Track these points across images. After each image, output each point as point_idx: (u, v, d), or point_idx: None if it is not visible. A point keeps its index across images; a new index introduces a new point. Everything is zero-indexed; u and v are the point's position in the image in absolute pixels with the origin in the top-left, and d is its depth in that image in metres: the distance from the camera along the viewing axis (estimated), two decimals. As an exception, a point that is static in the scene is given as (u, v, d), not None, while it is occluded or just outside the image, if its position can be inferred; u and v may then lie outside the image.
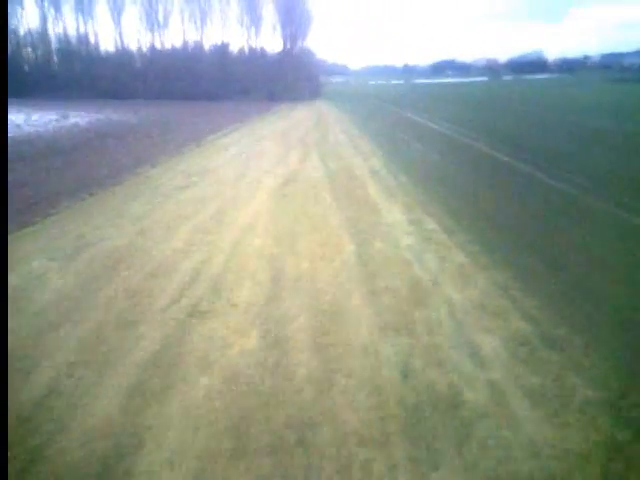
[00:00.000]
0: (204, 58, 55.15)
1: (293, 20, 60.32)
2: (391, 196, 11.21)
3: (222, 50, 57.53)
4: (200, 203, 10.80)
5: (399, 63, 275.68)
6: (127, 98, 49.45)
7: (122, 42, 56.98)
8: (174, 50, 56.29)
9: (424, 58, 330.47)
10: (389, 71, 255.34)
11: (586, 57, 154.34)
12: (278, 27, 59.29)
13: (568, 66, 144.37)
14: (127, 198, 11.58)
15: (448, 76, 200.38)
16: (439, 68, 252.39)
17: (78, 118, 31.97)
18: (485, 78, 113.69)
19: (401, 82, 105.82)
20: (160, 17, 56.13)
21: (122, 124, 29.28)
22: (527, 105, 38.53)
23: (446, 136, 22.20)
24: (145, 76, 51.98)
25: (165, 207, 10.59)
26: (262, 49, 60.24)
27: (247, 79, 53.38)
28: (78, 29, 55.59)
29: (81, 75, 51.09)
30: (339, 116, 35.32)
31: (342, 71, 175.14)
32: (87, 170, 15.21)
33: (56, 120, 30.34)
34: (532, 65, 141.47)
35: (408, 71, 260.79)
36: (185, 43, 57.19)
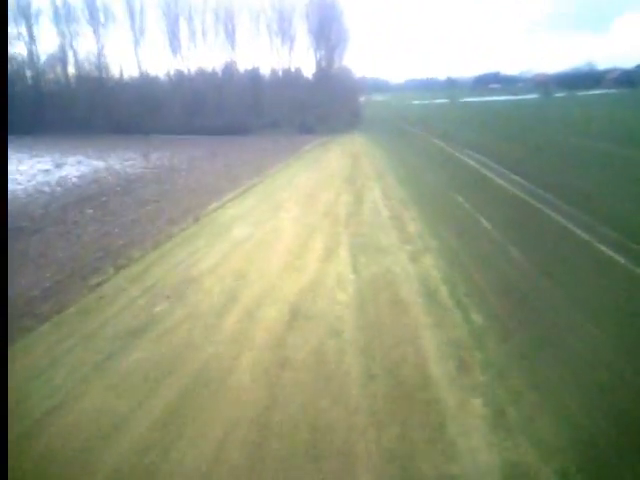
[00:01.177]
0: (231, 86, 50.67)
1: (328, 39, 55.40)
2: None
3: (251, 76, 53.08)
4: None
5: (441, 75, 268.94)
6: (144, 132, 45.34)
7: (140, 69, 53.37)
8: (197, 77, 52.09)
9: (467, 70, 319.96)
10: (431, 84, 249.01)
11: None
12: (312, 48, 54.34)
13: (627, 79, 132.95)
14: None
15: (494, 91, 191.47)
16: (483, 81, 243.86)
17: (73, 167, 27.56)
18: (535, 95, 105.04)
19: (446, 101, 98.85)
20: (182, 40, 52.04)
21: (116, 178, 24.55)
22: (608, 138, 31.31)
23: (538, 212, 15.84)
24: (163, 108, 47.83)
25: None
26: (296, 71, 55.39)
27: (278, 109, 48.49)
28: (89, 54, 52.19)
29: (92, 107, 47.31)
30: (379, 162, 29.50)
31: (383, 87, 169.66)
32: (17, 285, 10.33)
33: (45, 171, 25.95)
34: (585, 79, 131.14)
35: (451, 84, 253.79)
36: (208, 69, 53.00)
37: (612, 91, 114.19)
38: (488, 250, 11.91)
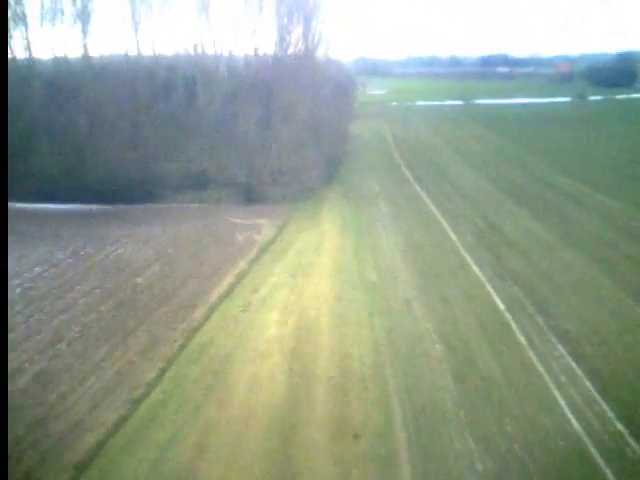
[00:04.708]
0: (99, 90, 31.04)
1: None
2: None
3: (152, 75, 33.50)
4: None
5: (444, 54, 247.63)
6: None
7: None
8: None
9: (471, 50, 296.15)
10: (434, 62, 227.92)
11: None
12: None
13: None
14: None
15: (503, 75, 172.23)
16: (490, 63, 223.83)
17: None
18: (567, 99, 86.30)
19: (459, 103, 79.87)
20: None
21: None
22: None
23: None
24: None
25: None
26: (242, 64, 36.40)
27: (203, 149, 29.71)
28: None
29: None
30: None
31: (382, 69, 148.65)
32: None
33: None
34: (621, 75, 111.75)
35: (455, 64, 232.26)
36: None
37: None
38: None
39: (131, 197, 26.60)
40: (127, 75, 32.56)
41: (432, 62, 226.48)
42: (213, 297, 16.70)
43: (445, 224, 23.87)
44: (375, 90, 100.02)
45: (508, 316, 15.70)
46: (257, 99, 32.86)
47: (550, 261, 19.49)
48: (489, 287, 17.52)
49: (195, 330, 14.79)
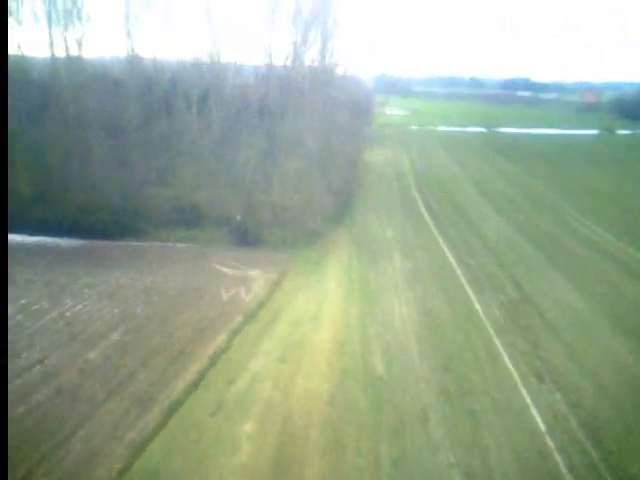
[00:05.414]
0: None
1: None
2: None
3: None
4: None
5: (464, 74, 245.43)
6: None
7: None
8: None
9: (492, 71, 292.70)
10: (454, 82, 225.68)
11: None
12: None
13: None
14: None
15: (525, 100, 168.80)
16: (511, 86, 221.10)
17: None
18: (595, 131, 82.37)
19: (482, 130, 76.28)
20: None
21: None
22: None
23: None
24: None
25: None
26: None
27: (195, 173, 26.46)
28: None
29: None
30: None
31: (403, 87, 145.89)
32: None
33: None
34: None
35: (476, 85, 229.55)
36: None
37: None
38: None
39: (110, 231, 23.37)
40: (121, 82, 29.42)
41: (452, 82, 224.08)
42: (177, 388, 13.20)
43: (469, 289, 20.24)
44: (394, 110, 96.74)
45: (551, 444, 11.98)
46: (262, 122, 29.62)
47: (600, 354, 15.78)
48: (525, 393, 13.86)
49: (145, 443, 11.25)
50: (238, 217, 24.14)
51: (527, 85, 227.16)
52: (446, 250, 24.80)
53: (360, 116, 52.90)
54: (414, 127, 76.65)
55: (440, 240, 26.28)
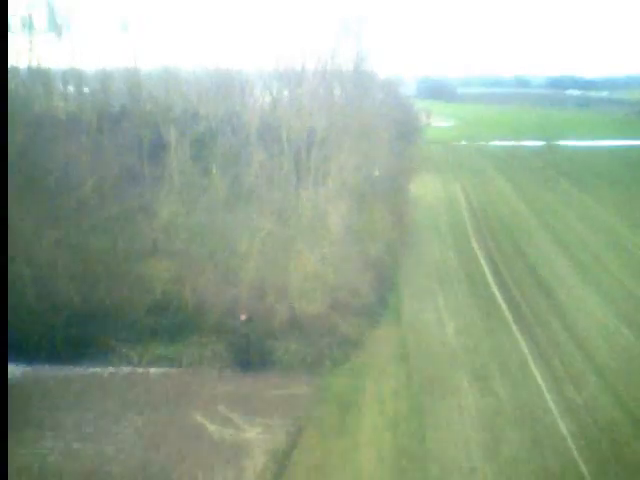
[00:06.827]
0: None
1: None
2: None
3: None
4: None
5: (507, 73, 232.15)
6: None
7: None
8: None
9: (537, 68, 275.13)
10: (498, 82, 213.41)
11: None
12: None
13: None
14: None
15: (574, 99, 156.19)
16: (558, 85, 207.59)
17: None
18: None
19: (540, 144, 66.53)
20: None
21: None
22: None
23: None
24: None
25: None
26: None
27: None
28: None
29: None
30: None
31: (447, 91, 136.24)
32: None
33: None
34: None
35: (521, 84, 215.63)
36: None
37: None
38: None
39: (57, 350, 16.48)
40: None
41: (496, 82, 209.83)
42: None
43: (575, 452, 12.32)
44: (440, 121, 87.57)
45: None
46: (283, 170, 22.43)
47: None
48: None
49: None
50: (242, 317, 16.96)
51: (575, 82, 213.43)
52: (534, 370, 16.86)
53: (405, 135, 44.79)
54: (463, 142, 67.82)
55: (522, 344, 18.35)
